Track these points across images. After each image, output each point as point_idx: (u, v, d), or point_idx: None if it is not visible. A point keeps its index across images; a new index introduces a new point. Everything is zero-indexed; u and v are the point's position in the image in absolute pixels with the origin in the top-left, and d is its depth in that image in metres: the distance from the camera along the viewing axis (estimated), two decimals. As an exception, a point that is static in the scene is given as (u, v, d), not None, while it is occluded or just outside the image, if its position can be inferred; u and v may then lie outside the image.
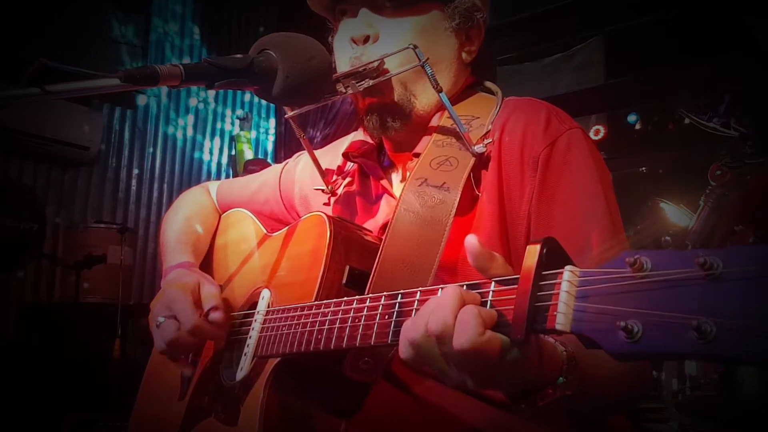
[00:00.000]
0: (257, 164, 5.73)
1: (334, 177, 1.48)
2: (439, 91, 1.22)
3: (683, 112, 4.35)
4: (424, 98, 1.31)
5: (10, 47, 4.44)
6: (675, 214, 4.06)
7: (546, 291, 0.75)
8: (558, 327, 0.72)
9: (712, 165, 3.86)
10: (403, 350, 0.87)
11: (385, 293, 0.98)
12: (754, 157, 3.77)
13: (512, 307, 0.77)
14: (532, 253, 0.77)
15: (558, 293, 0.73)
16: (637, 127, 4.68)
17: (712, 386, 3.21)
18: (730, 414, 3.15)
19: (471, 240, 0.82)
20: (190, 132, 6.19)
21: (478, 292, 0.84)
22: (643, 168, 4.59)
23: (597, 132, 4.74)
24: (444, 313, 0.81)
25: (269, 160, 6.44)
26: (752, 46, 3.82)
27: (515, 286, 0.78)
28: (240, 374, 1.25)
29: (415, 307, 0.91)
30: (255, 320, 1.28)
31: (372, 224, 1.34)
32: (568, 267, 0.75)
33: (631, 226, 4.10)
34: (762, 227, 3.35)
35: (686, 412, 3.28)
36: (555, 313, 0.73)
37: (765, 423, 2.95)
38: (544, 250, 0.76)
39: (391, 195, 1.36)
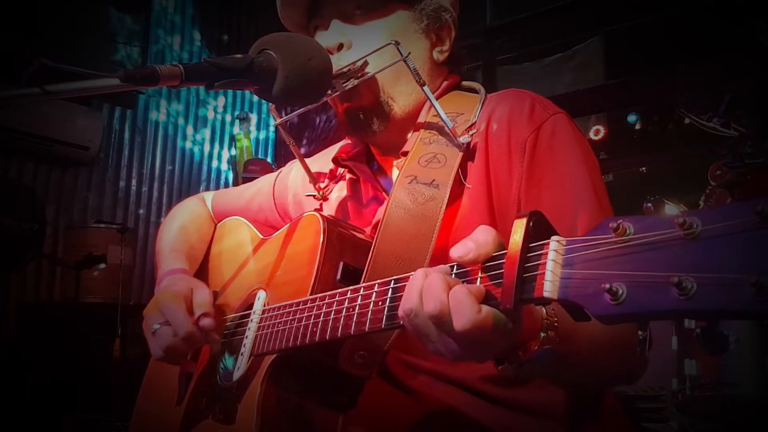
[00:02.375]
0: (257, 164, 5.74)
1: (326, 182, 1.49)
2: (422, 84, 1.24)
3: (683, 112, 4.35)
4: (402, 100, 1.33)
5: (10, 47, 4.44)
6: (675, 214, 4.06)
7: (533, 262, 0.77)
8: (546, 294, 0.74)
9: (712, 165, 3.87)
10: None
11: (378, 281, 1.00)
12: (754, 157, 3.77)
13: (502, 280, 0.79)
14: (519, 227, 0.79)
15: (545, 263, 0.76)
16: (637, 127, 4.68)
17: (712, 386, 3.21)
18: (730, 414, 3.15)
19: (453, 255, 0.85)
20: (190, 132, 6.20)
21: (469, 269, 0.86)
22: (643, 168, 4.59)
23: (597, 132, 4.74)
24: (437, 293, 0.83)
25: (269, 160, 6.44)
26: (752, 46, 3.82)
27: (504, 260, 0.80)
28: (237, 374, 1.25)
29: None
30: (251, 320, 1.29)
31: (365, 228, 1.35)
32: (554, 237, 0.77)
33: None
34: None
35: (686, 412, 3.28)
36: (542, 281, 0.75)
37: (765, 423, 2.95)
38: (531, 223, 0.79)
39: (380, 196, 1.37)
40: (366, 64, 1.28)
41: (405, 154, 1.30)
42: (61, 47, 4.90)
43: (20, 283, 4.97)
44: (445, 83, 1.39)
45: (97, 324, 4.42)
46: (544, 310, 0.90)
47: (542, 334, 0.88)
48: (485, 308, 0.80)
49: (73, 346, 4.33)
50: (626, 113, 4.71)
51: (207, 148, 6.32)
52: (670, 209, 4.08)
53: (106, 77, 0.96)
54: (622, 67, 4.55)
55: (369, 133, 1.33)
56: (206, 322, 1.29)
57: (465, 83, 1.42)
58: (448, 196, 1.19)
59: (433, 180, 1.22)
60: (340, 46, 1.31)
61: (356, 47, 1.31)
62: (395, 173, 1.30)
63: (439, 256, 1.15)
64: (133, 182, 5.78)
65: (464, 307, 0.80)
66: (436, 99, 1.33)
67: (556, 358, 0.90)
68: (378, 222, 1.23)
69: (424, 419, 1.19)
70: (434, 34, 1.38)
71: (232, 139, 6.47)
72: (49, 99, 0.94)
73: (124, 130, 5.73)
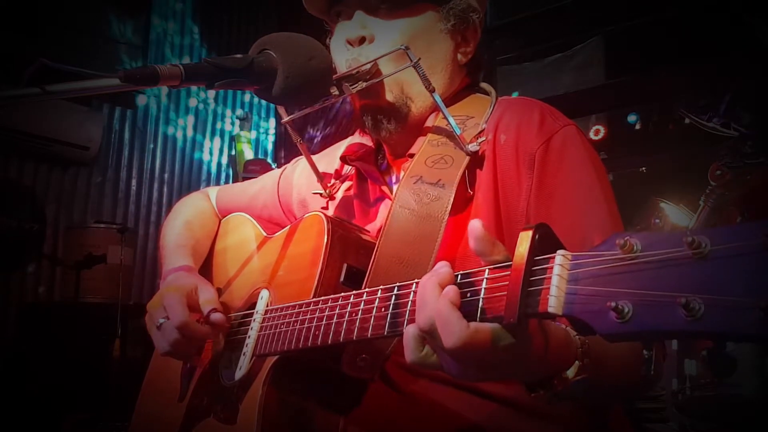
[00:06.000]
0: (257, 164, 5.73)
1: (332, 181, 1.48)
2: (432, 91, 1.22)
3: (683, 112, 4.35)
4: (420, 100, 1.30)
5: (10, 47, 4.44)
6: (675, 214, 4.07)
7: (538, 275, 0.76)
8: (550, 310, 0.73)
9: (712, 165, 3.87)
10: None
11: (381, 287, 0.99)
12: (754, 157, 3.78)
13: (506, 292, 0.78)
14: (524, 239, 0.78)
15: (550, 277, 0.74)
16: (637, 127, 4.67)
17: (712, 386, 3.21)
18: (730, 414, 3.15)
19: (475, 224, 0.82)
20: (190, 132, 6.20)
21: (474, 280, 0.85)
22: (643, 168, 4.59)
23: (597, 132, 4.74)
24: (426, 309, 0.82)
25: (269, 160, 6.44)
26: (752, 47, 3.82)
27: (509, 272, 0.79)
28: (239, 374, 1.25)
29: (411, 299, 0.93)
30: (254, 320, 1.28)
31: (370, 227, 1.34)
32: (559, 251, 0.76)
33: (631, 226, 4.09)
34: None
35: (686, 412, 3.28)
36: (547, 296, 0.74)
37: (765, 423, 2.95)
38: (537, 236, 0.77)
39: (387, 196, 1.36)
40: (376, 65, 1.26)
41: (412, 156, 1.28)
42: (61, 47, 4.89)
43: (20, 283, 4.97)
44: (459, 86, 1.38)
45: (97, 324, 4.42)
46: (578, 338, 0.89)
47: (577, 363, 0.88)
48: (475, 324, 0.79)
49: (73, 346, 4.32)
50: (626, 113, 4.70)
51: (207, 147, 6.32)
52: (670, 209, 4.08)
53: (106, 77, 0.96)
54: (622, 67, 4.54)
55: (384, 132, 1.31)
56: (216, 317, 1.29)
57: (481, 84, 1.41)
58: (453, 196, 1.17)
59: (439, 180, 1.20)
60: (362, 40, 1.28)
61: (377, 43, 1.28)
62: (402, 175, 1.29)
63: None
64: (133, 182, 5.78)
65: (451, 326, 0.78)
66: (450, 101, 1.32)
67: (589, 385, 0.89)
68: (382, 224, 1.21)
69: (424, 422, 1.19)
70: (460, 35, 1.35)
71: (232, 139, 6.47)
72: (49, 99, 0.94)
73: (124, 130, 5.73)
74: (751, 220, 0.62)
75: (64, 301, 4.78)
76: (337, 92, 1.25)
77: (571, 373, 0.87)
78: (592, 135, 4.71)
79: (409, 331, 0.87)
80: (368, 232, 1.29)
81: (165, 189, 5.96)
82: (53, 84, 0.93)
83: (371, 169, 1.41)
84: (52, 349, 4.35)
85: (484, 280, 0.83)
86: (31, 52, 4.55)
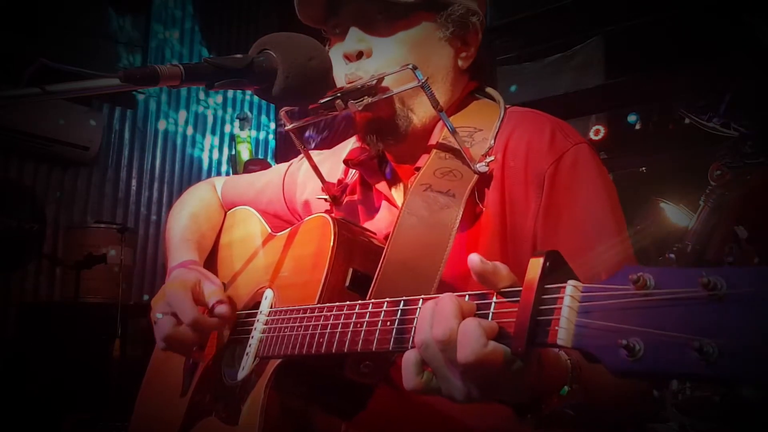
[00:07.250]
0: (257, 164, 5.73)
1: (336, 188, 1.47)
2: (440, 110, 1.20)
3: (683, 112, 4.35)
4: (421, 112, 1.28)
5: (10, 47, 4.44)
6: (675, 214, 4.06)
7: (548, 305, 0.74)
8: (559, 342, 0.72)
9: (712, 165, 3.86)
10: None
11: (387, 299, 0.97)
12: (754, 157, 3.77)
13: (514, 319, 0.76)
14: (534, 266, 0.76)
15: (560, 308, 0.73)
16: (637, 127, 4.67)
17: (711, 387, 3.21)
18: (730, 414, 3.15)
19: (473, 258, 0.82)
20: (189, 131, 6.20)
21: (482, 303, 0.84)
22: (643, 168, 4.59)
23: (597, 132, 4.74)
24: (447, 319, 0.81)
25: (269, 160, 6.44)
26: (752, 47, 3.82)
27: (518, 298, 0.77)
28: (242, 374, 1.25)
29: (417, 315, 0.91)
30: (257, 320, 1.28)
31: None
32: (570, 281, 0.74)
33: (631, 227, 4.08)
34: (761, 228, 3.36)
35: (686, 412, 3.28)
36: (557, 327, 0.72)
37: (765, 423, 2.95)
38: (547, 264, 0.76)
39: (392, 203, 1.34)
40: (381, 80, 1.24)
41: (419, 169, 1.26)
42: (61, 47, 4.90)
43: (20, 283, 4.97)
44: (464, 92, 1.35)
45: (97, 324, 4.43)
46: (569, 363, 0.88)
47: (566, 388, 0.87)
48: (493, 344, 0.78)
49: (73, 346, 4.33)
50: (626, 113, 4.70)
51: (207, 147, 6.32)
52: (670, 209, 4.08)
53: (106, 77, 0.96)
54: (622, 67, 4.53)
55: (386, 144, 1.29)
56: (221, 309, 1.29)
57: (486, 89, 1.37)
58: (464, 206, 1.14)
59: (449, 189, 1.18)
60: (360, 54, 1.26)
61: (376, 56, 1.26)
62: (409, 186, 1.27)
63: (451, 281, 1.12)
64: (133, 182, 5.78)
65: (470, 339, 0.77)
66: (455, 111, 1.30)
67: (578, 411, 0.89)
68: (389, 230, 1.20)
69: (427, 424, 1.18)
70: (459, 40, 1.32)
71: (232, 138, 6.47)
72: (49, 99, 0.94)
73: (124, 130, 5.74)
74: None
75: (64, 301, 4.79)
76: (343, 105, 1.24)
77: (559, 397, 0.87)
78: (592, 135, 4.71)
79: (410, 357, 0.86)
80: (375, 234, 1.27)
81: (165, 189, 5.96)
82: (53, 84, 0.93)
83: (373, 174, 1.39)
84: (52, 349, 4.35)
85: (493, 304, 0.82)
86: (31, 52, 4.55)
